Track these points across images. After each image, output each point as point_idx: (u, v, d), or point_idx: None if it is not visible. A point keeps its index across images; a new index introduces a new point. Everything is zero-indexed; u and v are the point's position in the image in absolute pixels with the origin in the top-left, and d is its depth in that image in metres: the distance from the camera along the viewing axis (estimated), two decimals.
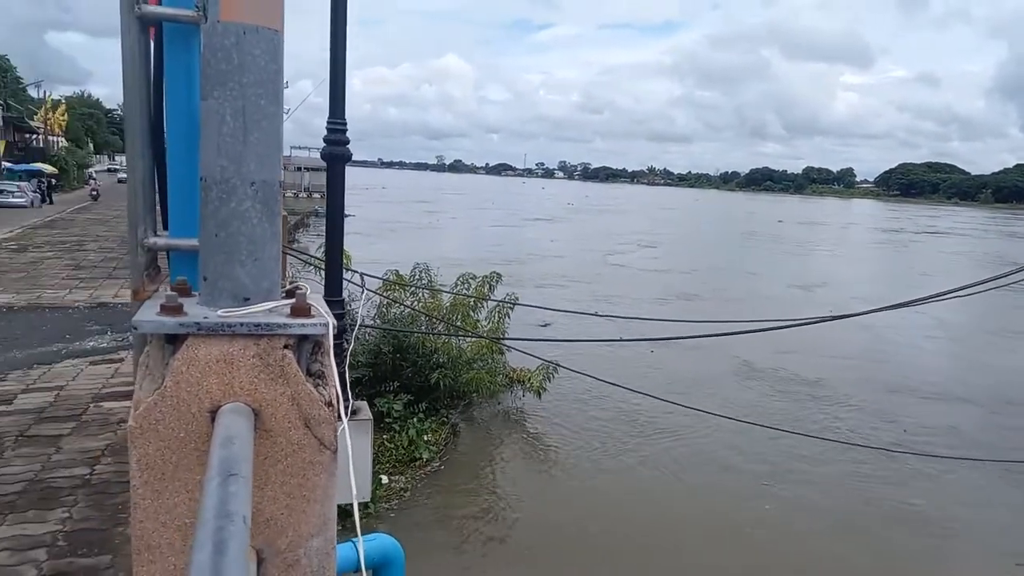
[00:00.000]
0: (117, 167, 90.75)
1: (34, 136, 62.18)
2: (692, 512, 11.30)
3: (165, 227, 1.99)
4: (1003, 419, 16.54)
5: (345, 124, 4.65)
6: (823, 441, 12.87)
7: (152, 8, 1.82)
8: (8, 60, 71.19)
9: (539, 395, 14.32)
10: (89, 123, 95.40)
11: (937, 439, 14.80)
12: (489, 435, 13.89)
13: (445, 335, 13.77)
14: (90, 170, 67.80)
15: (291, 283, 1.76)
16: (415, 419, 12.55)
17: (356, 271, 7.86)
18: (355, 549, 2.85)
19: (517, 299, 14.31)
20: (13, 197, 35.06)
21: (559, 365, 12.85)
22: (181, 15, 1.79)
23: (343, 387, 1.66)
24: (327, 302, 1.79)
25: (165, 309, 1.48)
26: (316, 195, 64.63)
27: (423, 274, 14.74)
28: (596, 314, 14.74)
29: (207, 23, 1.53)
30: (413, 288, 14.55)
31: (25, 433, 5.90)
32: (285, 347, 1.51)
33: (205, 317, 1.48)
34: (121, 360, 8.33)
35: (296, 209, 50.43)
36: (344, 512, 2.03)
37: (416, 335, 13.38)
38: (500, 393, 14.81)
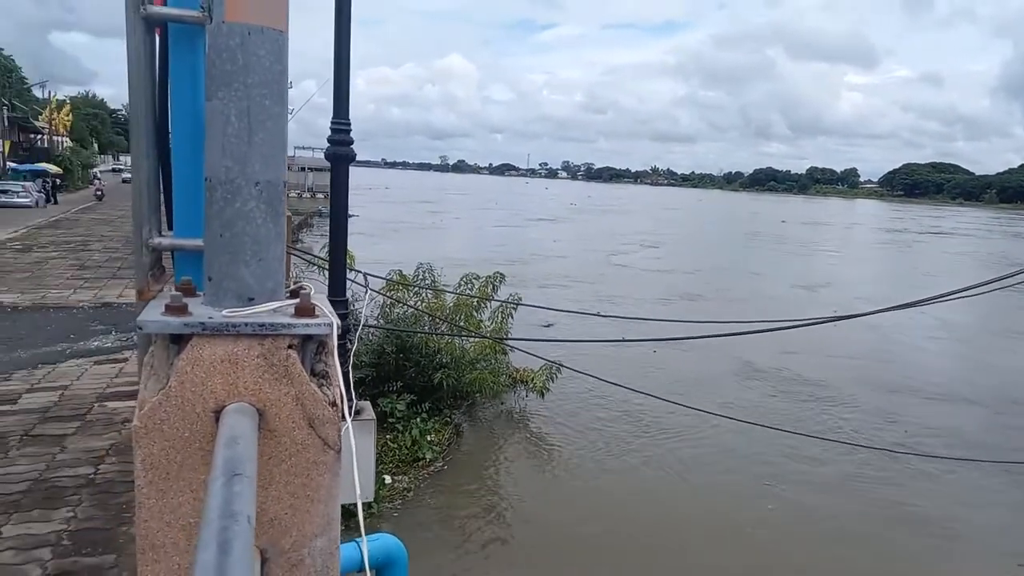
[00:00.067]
0: (121, 167, 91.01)
1: (39, 136, 62.39)
2: (694, 512, 11.29)
3: (170, 227, 2.00)
4: (1007, 419, 16.50)
5: (349, 124, 4.66)
6: (826, 441, 12.86)
7: (157, 8, 1.82)
8: (13, 60, 71.35)
9: (542, 395, 14.32)
10: (93, 123, 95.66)
11: (940, 440, 14.76)
12: (492, 435, 13.89)
13: (448, 335, 13.77)
14: (94, 170, 68.04)
15: (295, 283, 1.77)
16: (418, 419, 12.55)
17: (360, 271, 7.87)
18: (358, 549, 2.85)
19: (520, 299, 14.33)
20: (18, 197, 35.17)
21: (562, 365, 12.85)
22: (186, 16, 1.80)
23: (347, 387, 1.66)
24: (331, 302, 1.79)
25: (170, 309, 1.48)
26: (320, 195, 64.78)
27: (426, 274, 14.75)
28: (599, 314, 14.75)
29: (212, 24, 1.54)
30: (416, 288, 14.56)
31: (30, 432, 5.92)
32: (289, 347, 1.52)
33: (210, 317, 1.48)
34: (125, 360, 8.35)
35: (300, 209, 50.55)
36: (347, 512, 2.03)
37: (419, 335, 13.39)
38: (503, 393, 14.81)
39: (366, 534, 1.97)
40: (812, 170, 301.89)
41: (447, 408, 13.70)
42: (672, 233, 67.73)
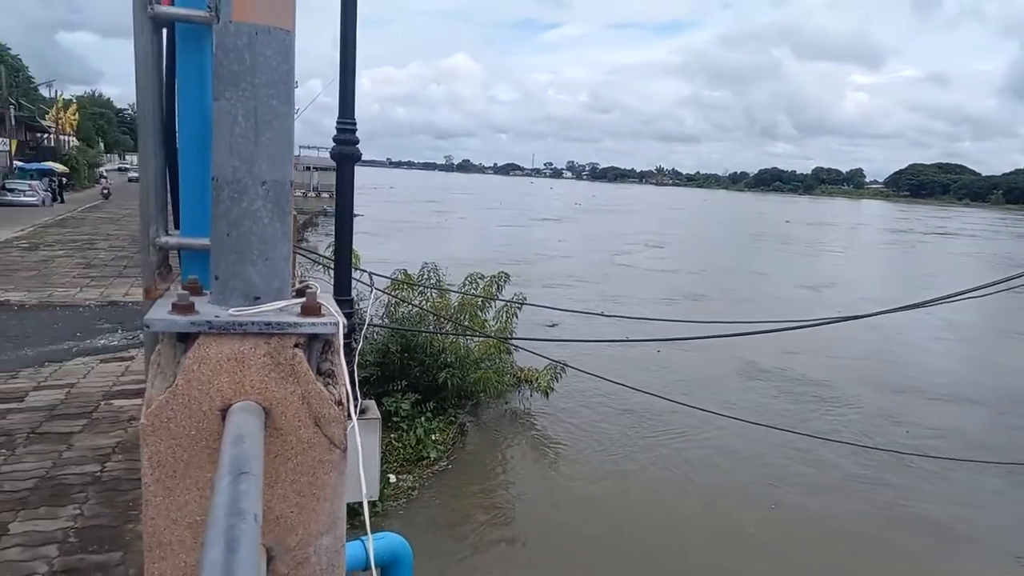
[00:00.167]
0: (128, 166, 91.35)
1: (45, 135, 62.61)
2: (697, 512, 11.27)
3: (177, 226, 2.01)
4: (1010, 420, 16.44)
5: (355, 124, 4.67)
6: (829, 442, 12.82)
7: (165, 8, 1.83)
8: (20, 60, 71.70)
9: (547, 395, 14.32)
10: (100, 122, 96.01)
11: (944, 440, 14.72)
12: (497, 435, 13.90)
13: (453, 334, 13.78)
14: (101, 169, 68.30)
15: (301, 282, 1.77)
16: (423, 418, 12.56)
17: (365, 270, 7.89)
18: (364, 548, 2.86)
19: (525, 299, 14.33)
20: (25, 196, 35.33)
21: (567, 365, 12.85)
22: (194, 15, 1.80)
23: (352, 386, 1.66)
24: (336, 301, 1.80)
25: (177, 308, 1.49)
26: (325, 194, 64.76)
27: (431, 273, 14.76)
28: (603, 314, 14.75)
29: (219, 24, 1.54)
30: (421, 288, 14.57)
31: (36, 430, 5.95)
32: (296, 346, 1.52)
33: (216, 316, 1.49)
34: (131, 358, 8.39)
35: (305, 208, 50.60)
36: (352, 510, 2.04)
37: (424, 334, 13.40)
38: (508, 393, 14.81)
39: (371, 533, 1.98)
40: (818, 170, 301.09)
41: (452, 407, 13.71)
42: (677, 233, 67.64)
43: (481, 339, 13.96)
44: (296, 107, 1.71)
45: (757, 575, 9.74)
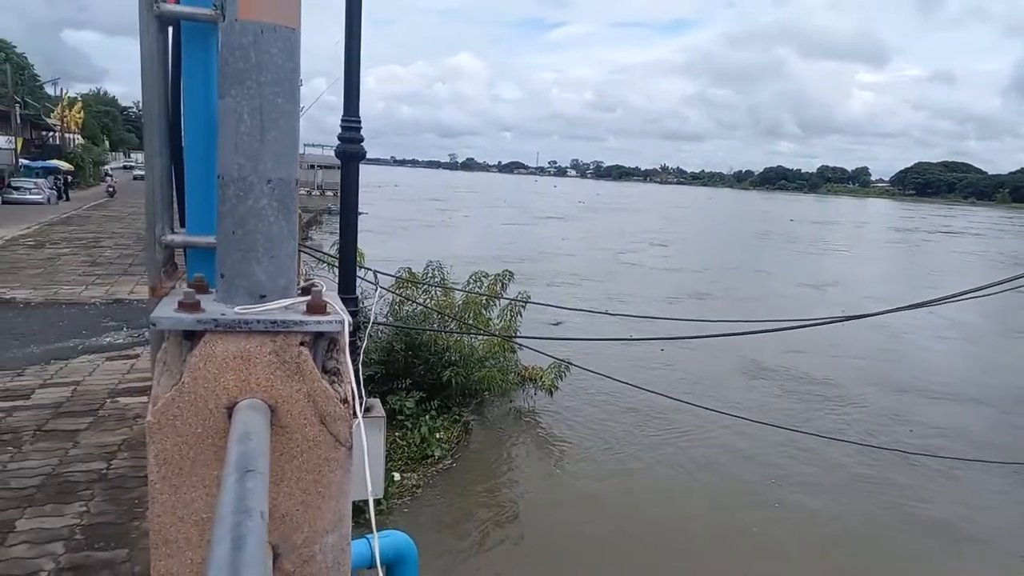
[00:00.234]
0: (132, 164, 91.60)
1: (51, 133, 62.80)
2: (702, 512, 11.26)
3: (182, 224, 2.01)
4: (1015, 419, 16.38)
5: (359, 122, 4.66)
6: (833, 441, 12.80)
7: (170, 7, 1.83)
8: (25, 58, 71.99)
9: (551, 393, 14.33)
10: (105, 121, 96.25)
11: (948, 440, 14.68)
12: (501, 433, 13.90)
13: (457, 333, 13.79)
14: (106, 167, 68.47)
15: (306, 280, 1.77)
16: (427, 416, 12.58)
17: (369, 269, 7.90)
18: (369, 545, 2.87)
19: (529, 297, 14.34)
20: (30, 194, 35.45)
21: (571, 363, 12.85)
22: (199, 14, 1.80)
23: (357, 384, 1.66)
24: (341, 299, 1.80)
25: (183, 306, 1.49)
26: (329, 193, 64.88)
27: (436, 272, 14.77)
28: (607, 312, 14.76)
29: (225, 22, 1.54)
30: (426, 286, 14.58)
31: (43, 428, 5.97)
32: (301, 344, 1.52)
33: (222, 314, 1.49)
34: (137, 356, 8.41)
35: (309, 207, 50.64)
36: (356, 508, 2.04)
37: (428, 333, 13.42)
38: (512, 391, 14.82)
39: (376, 531, 1.98)
40: (823, 169, 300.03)
41: (456, 406, 13.71)
42: (681, 232, 67.54)
43: (485, 337, 13.96)
44: (300, 105, 1.71)
45: (761, 575, 9.73)
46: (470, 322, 14.14)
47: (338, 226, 5.15)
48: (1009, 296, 7.59)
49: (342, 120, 4.61)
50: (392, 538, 3.87)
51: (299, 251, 1.82)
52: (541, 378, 14.33)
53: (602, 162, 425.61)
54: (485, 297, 14.42)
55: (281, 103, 1.57)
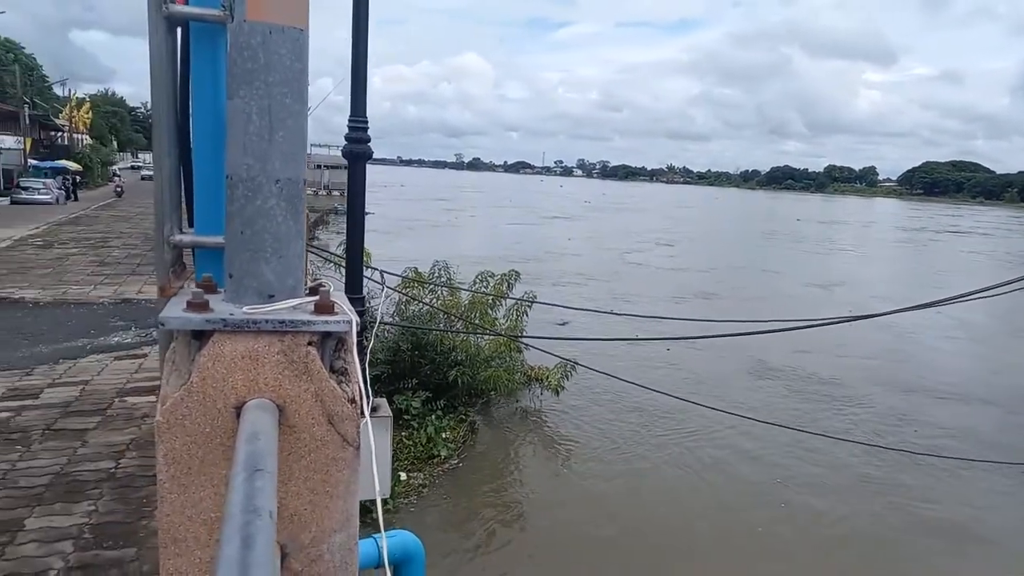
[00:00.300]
0: (140, 164, 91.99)
1: (59, 134, 63.11)
2: (708, 512, 11.23)
3: (191, 224, 2.01)
4: (1023, 419, 16.29)
5: (366, 122, 4.67)
6: (839, 441, 12.76)
7: (179, 8, 1.83)
8: (34, 58, 72.33)
9: (557, 393, 14.32)
10: (113, 121, 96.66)
11: (956, 440, 14.61)
12: (507, 433, 13.91)
13: (463, 333, 13.79)
14: (114, 167, 68.81)
15: (314, 280, 1.78)
16: (433, 416, 12.58)
17: (376, 268, 7.91)
18: (376, 545, 2.87)
19: (535, 297, 14.34)
20: (39, 194, 35.65)
21: (577, 363, 12.84)
22: (208, 15, 1.81)
23: (364, 384, 1.67)
24: (348, 299, 1.80)
25: (192, 306, 1.49)
26: (335, 192, 64.95)
27: (442, 272, 14.78)
28: (612, 312, 14.76)
29: (233, 23, 1.54)
30: (432, 286, 14.59)
31: (52, 427, 6.00)
32: (309, 344, 1.52)
33: (231, 314, 1.49)
34: (145, 355, 8.44)
35: (316, 206, 50.78)
36: (363, 508, 2.04)
37: (435, 333, 13.42)
38: (518, 391, 14.81)
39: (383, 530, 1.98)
40: (830, 168, 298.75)
41: (462, 406, 13.72)
42: (687, 231, 67.41)
43: (491, 337, 13.97)
44: (308, 105, 1.72)
45: (765, 575, 9.71)
46: (476, 322, 14.15)
47: (344, 226, 5.16)
48: (1017, 296, 7.54)
49: (349, 120, 4.63)
50: (399, 538, 3.87)
51: (306, 251, 1.82)
52: (547, 378, 14.32)
53: (608, 162, 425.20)
54: (491, 297, 14.42)
55: (289, 103, 1.57)
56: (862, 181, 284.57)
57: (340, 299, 1.62)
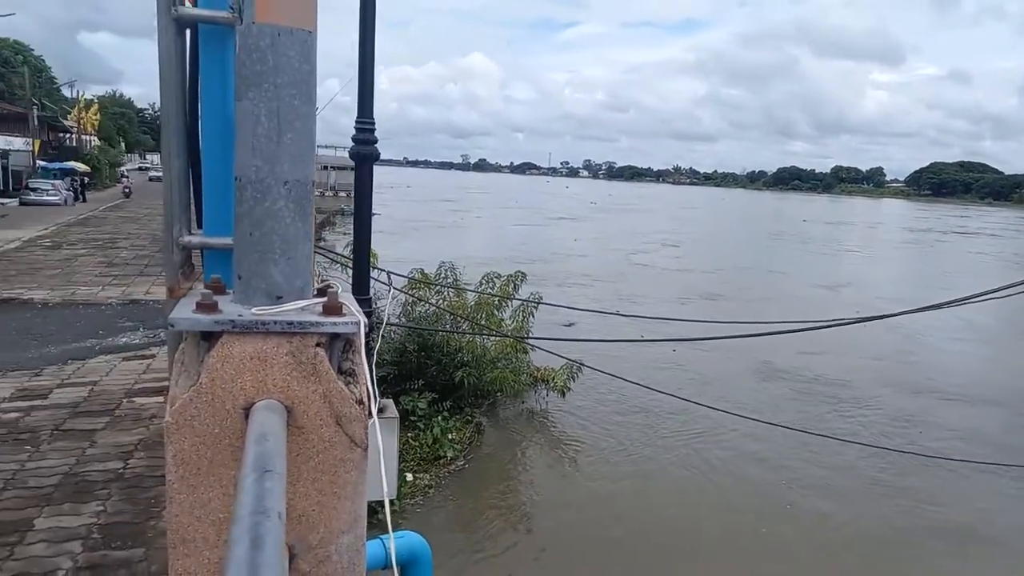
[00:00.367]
0: (148, 165, 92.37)
1: (68, 135, 63.44)
2: (714, 513, 11.20)
3: (199, 226, 2.02)
4: None
5: (373, 123, 4.68)
6: (846, 443, 12.71)
7: (188, 10, 1.84)
8: (43, 60, 72.79)
9: (563, 394, 14.31)
10: (121, 122, 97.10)
11: (964, 442, 14.54)
12: (513, 434, 13.90)
13: (470, 334, 13.79)
14: (122, 168, 69.14)
15: (322, 281, 1.78)
16: (439, 417, 12.59)
17: (383, 269, 7.92)
18: (383, 546, 2.87)
19: (541, 298, 14.33)
20: (47, 195, 35.84)
21: (583, 364, 12.83)
22: (217, 16, 1.81)
23: (371, 385, 1.67)
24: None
25: (201, 307, 1.50)
26: (342, 193, 65.09)
27: (448, 273, 14.79)
28: (618, 313, 14.75)
29: (242, 25, 1.55)
30: (438, 287, 14.60)
31: (60, 427, 6.03)
32: (317, 345, 1.53)
33: (240, 315, 1.50)
34: (153, 356, 8.47)
35: (322, 208, 50.85)
36: (369, 509, 2.05)
37: (441, 333, 13.43)
38: (524, 392, 14.81)
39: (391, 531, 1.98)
40: (837, 169, 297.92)
41: (468, 407, 13.72)
42: (693, 232, 67.31)
43: (498, 338, 13.97)
44: (316, 107, 1.72)
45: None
46: (482, 323, 14.15)
47: (350, 227, 5.17)
48: None
49: (356, 122, 4.63)
50: (406, 539, 3.87)
51: (313, 252, 1.83)
52: (553, 379, 14.31)
53: (614, 163, 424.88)
54: (497, 298, 14.42)
55: (298, 105, 1.58)
56: (869, 182, 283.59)
57: (348, 300, 1.62)
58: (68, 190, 38.67)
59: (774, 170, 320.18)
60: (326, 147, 70.69)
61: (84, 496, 4.78)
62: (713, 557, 9.94)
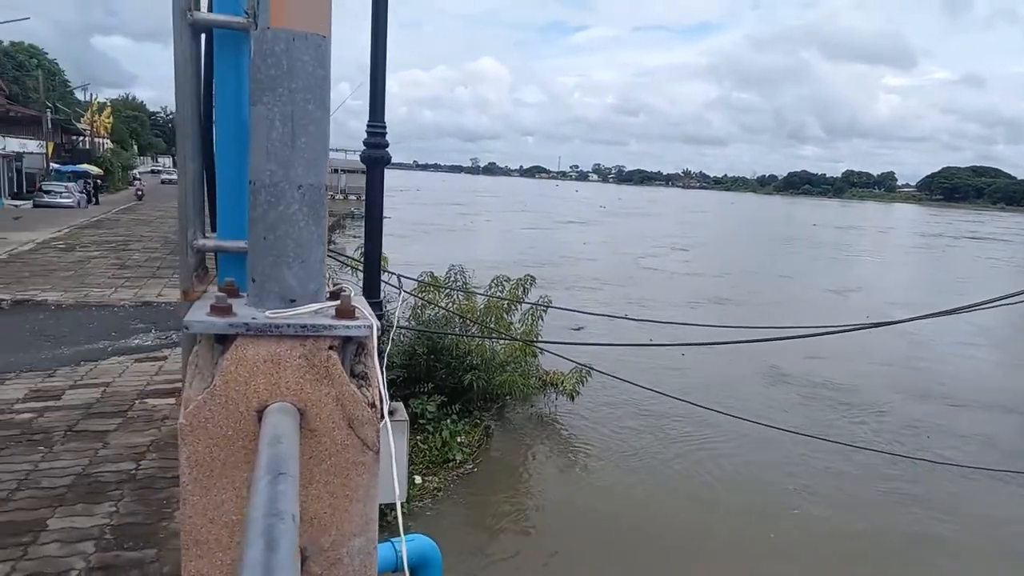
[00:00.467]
0: (160, 168, 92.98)
1: (81, 138, 63.94)
2: (723, 518, 11.13)
3: (214, 229, 2.04)
4: None
5: (385, 127, 4.69)
6: (854, 448, 12.62)
7: (204, 15, 1.86)
8: (56, 64, 73.43)
9: (572, 398, 14.27)
10: (133, 125, 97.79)
11: (974, 449, 14.41)
12: (522, 438, 13.88)
13: (479, 337, 13.80)
14: (134, 171, 69.61)
15: (335, 285, 1.79)
16: (448, 420, 12.58)
17: (393, 272, 7.93)
18: (394, 549, 2.87)
19: (550, 302, 14.31)
20: (61, 198, 36.15)
21: (592, 368, 12.80)
22: (232, 22, 1.83)
23: (383, 388, 1.68)
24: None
25: (215, 310, 1.51)
26: (352, 197, 65.30)
27: (458, 276, 14.79)
28: (626, 317, 14.71)
29: (257, 29, 1.56)
30: (448, 290, 14.61)
31: (73, 428, 6.07)
32: (330, 348, 1.54)
33: (253, 318, 1.51)
34: (165, 358, 8.52)
35: (333, 211, 50.94)
36: (379, 511, 2.05)
37: (450, 337, 13.44)
38: (533, 396, 14.79)
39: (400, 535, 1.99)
40: (848, 173, 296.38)
41: (477, 410, 13.72)
42: (703, 236, 67.09)
43: (507, 342, 13.96)
44: (330, 111, 1.73)
45: None
46: (492, 326, 14.15)
47: (361, 230, 5.18)
48: None
49: (368, 126, 4.65)
50: (417, 542, 3.87)
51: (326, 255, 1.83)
52: (562, 383, 14.28)
53: (624, 166, 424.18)
54: (507, 301, 14.42)
55: (312, 110, 1.59)
56: (881, 186, 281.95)
57: (361, 304, 1.63)
58: (81, 192, 38.98)
59: (785, 174, 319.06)
60: (336, 150, 70.96)
61: (97, 497, 4.81)
62: (723, 561, 9.89)
